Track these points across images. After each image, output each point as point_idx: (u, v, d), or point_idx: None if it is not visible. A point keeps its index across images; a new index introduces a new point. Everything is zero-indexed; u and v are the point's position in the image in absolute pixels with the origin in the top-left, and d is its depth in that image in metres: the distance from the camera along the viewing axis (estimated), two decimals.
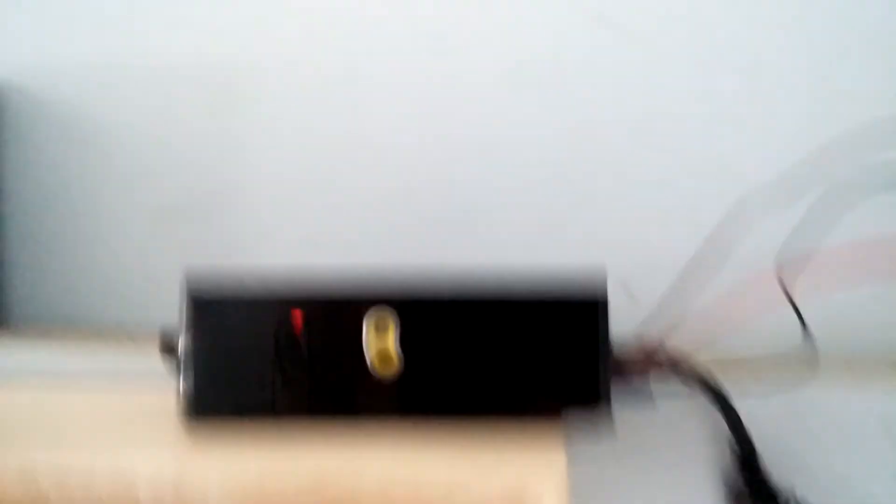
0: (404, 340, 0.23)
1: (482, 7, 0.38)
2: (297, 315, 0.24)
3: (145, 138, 0.41)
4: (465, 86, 0.38)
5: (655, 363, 0.26)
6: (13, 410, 0.27)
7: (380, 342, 0.23)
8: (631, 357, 0.26)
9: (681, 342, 0.27)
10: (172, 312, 0.25)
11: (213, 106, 0.40)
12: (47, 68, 0.41)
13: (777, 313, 0.27)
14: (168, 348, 0.26)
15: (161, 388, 0.26)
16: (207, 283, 0.25)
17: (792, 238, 0.28)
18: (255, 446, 0.23)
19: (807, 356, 0.26)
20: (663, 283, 0.29)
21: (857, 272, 0.29)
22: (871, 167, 0.30)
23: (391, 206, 0.40)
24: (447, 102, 0.39)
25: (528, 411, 0.24)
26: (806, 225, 0.29)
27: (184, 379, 0.25)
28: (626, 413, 0.29)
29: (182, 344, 0.25)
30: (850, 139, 0.31)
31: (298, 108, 0.40)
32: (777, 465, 0.30)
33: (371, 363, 0.23)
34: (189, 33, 0.40)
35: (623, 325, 0.26)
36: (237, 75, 0.40)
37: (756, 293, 0.27)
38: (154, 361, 0.26)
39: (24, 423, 0.26)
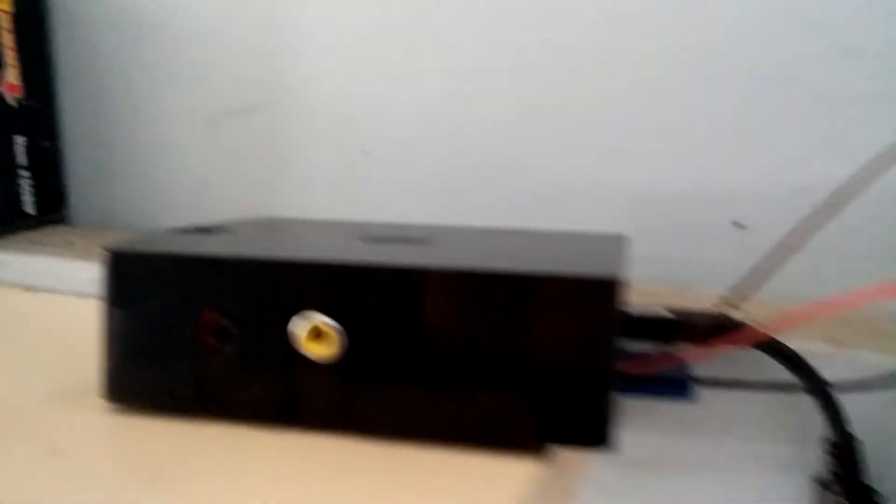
0: (345, 315, 0.19)
1: None
2: (230, 289, 0.20)
3: (204, 39, 0.40)
4: None
5: (723, 338, 0.21)
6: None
7: (313, 320, 0.19)
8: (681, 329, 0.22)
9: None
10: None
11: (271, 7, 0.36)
12: None
13: None
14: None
15: None
16: (133, 253, 0.21)
17: None
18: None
19: None
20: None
21: None
22: None
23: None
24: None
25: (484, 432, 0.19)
26: None
27: (103, 358, 0.21)
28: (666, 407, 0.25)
29: (104, 315, 0.21)
30: None
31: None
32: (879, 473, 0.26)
33: (302, 342, 0.19)
34: None
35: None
36: None
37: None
38: None
39: None
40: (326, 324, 0.19)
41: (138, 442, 0.20)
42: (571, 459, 0.22)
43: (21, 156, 0.38)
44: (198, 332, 0.20)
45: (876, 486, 0.25)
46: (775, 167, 0.29)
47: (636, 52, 0.32)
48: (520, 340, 0.18)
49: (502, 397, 0.19)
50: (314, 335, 0.19)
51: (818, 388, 0.23)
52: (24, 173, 0.38)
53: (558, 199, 0.33)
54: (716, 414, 0.27)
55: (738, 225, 0.30)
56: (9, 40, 0.36)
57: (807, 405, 0.25)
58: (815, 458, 0.25)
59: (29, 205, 0.39)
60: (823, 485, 0.26)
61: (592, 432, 0.19)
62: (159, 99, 0.41)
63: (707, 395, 0.27)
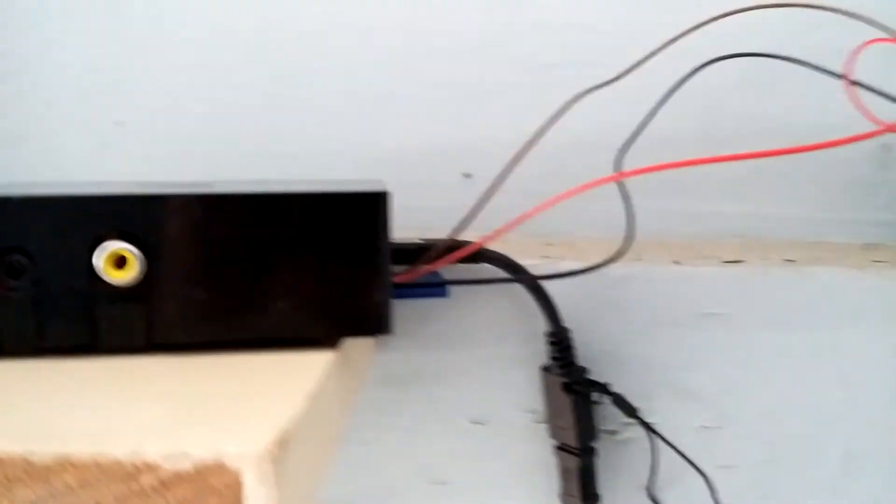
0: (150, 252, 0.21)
1: None
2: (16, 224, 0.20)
3: None
4: None
5: (455, 253, 0.26)
6: None
7: (116, 251, 0.21)
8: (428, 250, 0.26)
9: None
10: None
11: None
12: None
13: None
14: None
15: None
16: None
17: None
18: None
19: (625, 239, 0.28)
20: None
21: None
22: None
23: None
24: None
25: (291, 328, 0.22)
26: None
27: None
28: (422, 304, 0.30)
29: None
30: None
31: None
32: (590, 349, 0.33)
33: (103, 270, 0.21)
34: None
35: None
36: None
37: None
38: None
39: None
40: (127, 249, 0.20)
41: None
42: (360, 348, 0.25)
43: None
44: None
45: (587, 364, 0.32)
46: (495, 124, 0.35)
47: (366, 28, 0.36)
48: (312, 251, 0.22)
49: (299, 302, 0.22)
50: (115, 262, 0.21)
51: (530, 280, 0.29)
52: None
53: (311, 159, 0.36)
54: (466, 325, 0.33)
55: (466, 175, 0.36)
56: None
57: (533, 309, 0.31)
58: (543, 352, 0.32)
59: None
60: (547, 369, 0.32)
61: (376, 322, 0.22)
62: None
63: (459, 304, 0.32)
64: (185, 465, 0.15)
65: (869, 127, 0.25)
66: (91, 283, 0.21)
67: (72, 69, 0.37)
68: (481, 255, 0.27)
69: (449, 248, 0.26)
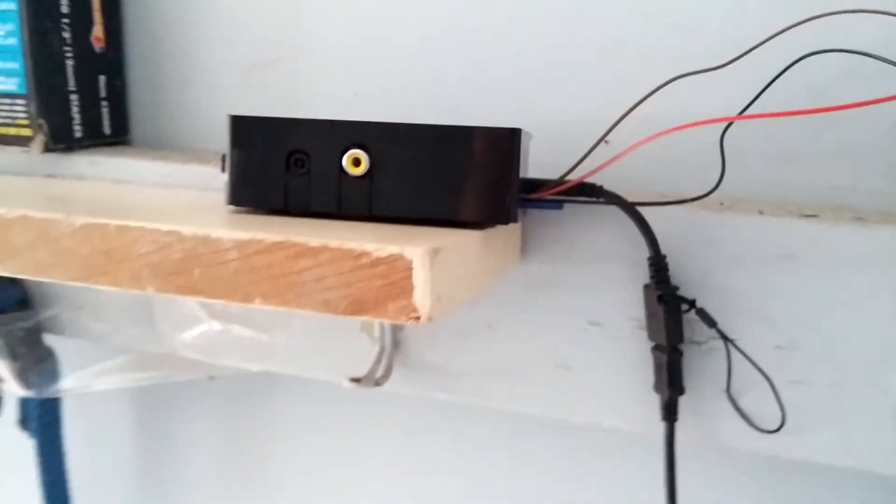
0: (373, 156, 0.34)
1: None
2: (302, 136, 0.35)
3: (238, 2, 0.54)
4: None
5: (565, 185, 0.37)
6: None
7: (354, 154, 0.34)
8: (547, 182, 0.38)
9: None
10: None
11: None
12: None
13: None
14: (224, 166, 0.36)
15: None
16: (246, 116, 0.36)
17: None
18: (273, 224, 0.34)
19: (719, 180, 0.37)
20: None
21: None
22: None
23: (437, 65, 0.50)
24: None
25: (451, 216, 0.34)
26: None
27: (227, 178, 0.36)
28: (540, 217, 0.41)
29: (227, 153, 0.35)
30: None
31: None
32: (683, 276, 0.41)
33: (346, 166, 0.34)
34: None
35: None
36: None
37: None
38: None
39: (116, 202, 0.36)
40: (360, 154, 0.34)
41: (251, 220, 0.34)
42: (500, 241, 0.37)
43: (102, 90, 0.52)
44: (287, 164, 0.35)
45: (679, 283, 0.42)
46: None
47: None
48: (472, 164, 0.34)
49: (460, 197, 0.34)
50: (353, 162, 0.34)
51: (629, 208, 0.39)
52: (104, 104, 0.52)
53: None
54: (587, 249, 0.44)
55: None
56: (97, 2, 0.50)
57: (639, 240, 0.41)
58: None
59: (107, 127, 0.53)
60: (647, 286, 0.42)
61: (506, 215, 0.34)
62: (202, 50, 0.55)
63: (582, 234, 0.43)
64: (384, 254, 0.28)
65: None
66: (340, 173, 0.35)
67: (326, 51, 0.53)
68: (589, 187, 0.38)
69: (560, 181, 0.38)
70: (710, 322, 0.41)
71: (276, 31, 0.53)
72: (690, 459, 0.46)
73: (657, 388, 0.43)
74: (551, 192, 0.37)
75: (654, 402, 0.43)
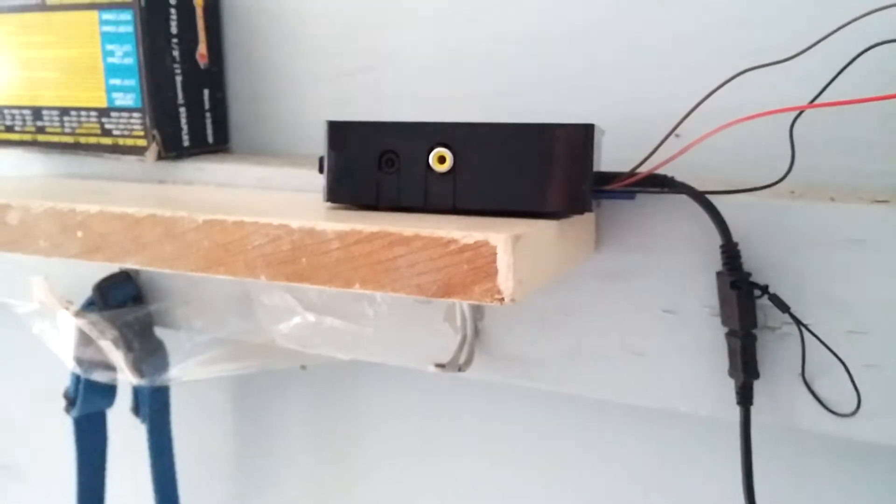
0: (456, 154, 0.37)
1: None
2: (392, 138, 0.38)
3: (324, 18, 0.58)
4: None
5: (635, 177, 0.40)
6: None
7: (440, 153, 0.37)
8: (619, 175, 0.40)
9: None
10: None
11: None
12: None
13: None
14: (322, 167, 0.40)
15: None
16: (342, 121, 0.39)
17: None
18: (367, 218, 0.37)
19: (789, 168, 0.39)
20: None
21: None
22: None
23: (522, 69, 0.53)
24: None
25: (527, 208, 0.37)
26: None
27: (325, 178, 0.39)
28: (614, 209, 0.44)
29: (325, 155, 0.39)
30: None
31: None
32: (755, 262, 0.42)
33: (432, 163, 0.37)
34: None
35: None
36: None
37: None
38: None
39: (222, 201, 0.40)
40: (445, 152, 0.37)
41: (348, 214, 0.38)
42: (576, 231, 0.40)
43: (206, 103, 0.57)
44: (379, 163, 0.38)
45: (751, 270, 0.43)
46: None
47: None
48: (549, 158, 0.37)
49: (539, 190, 0.37)
50: (438, 159, 0.38)
51: (700, 196, 0.41)
52: (208, 115, 0.57)
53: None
54: (662, 238, 0.45)
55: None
56: (201, 23, 0.55)
57: (712, 229, 0.43)
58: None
59: (210, 136, 0.58)
60: (720, 274, 0.44)
61: (582, 205, 0.37)
62: (293, 64, 0.60)
63: (657, 224, 0.45)
64: (470, 241, 0.31)
65: None
66: (426, 170, 0.38)
67: (404, 59, 0.56)
68: (660, 178, 0.40)
69: (632, 173, 0.40)
70: (783, 307, 0.42)
71: (359, 43, 0.57)
72: (765, 443, 0.47)
73: (732, 372, 0.44)
74: (624, 183, 0.39)
75: (729, 387, 0.44)
